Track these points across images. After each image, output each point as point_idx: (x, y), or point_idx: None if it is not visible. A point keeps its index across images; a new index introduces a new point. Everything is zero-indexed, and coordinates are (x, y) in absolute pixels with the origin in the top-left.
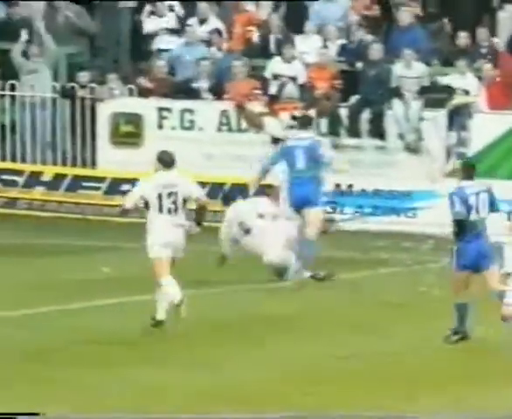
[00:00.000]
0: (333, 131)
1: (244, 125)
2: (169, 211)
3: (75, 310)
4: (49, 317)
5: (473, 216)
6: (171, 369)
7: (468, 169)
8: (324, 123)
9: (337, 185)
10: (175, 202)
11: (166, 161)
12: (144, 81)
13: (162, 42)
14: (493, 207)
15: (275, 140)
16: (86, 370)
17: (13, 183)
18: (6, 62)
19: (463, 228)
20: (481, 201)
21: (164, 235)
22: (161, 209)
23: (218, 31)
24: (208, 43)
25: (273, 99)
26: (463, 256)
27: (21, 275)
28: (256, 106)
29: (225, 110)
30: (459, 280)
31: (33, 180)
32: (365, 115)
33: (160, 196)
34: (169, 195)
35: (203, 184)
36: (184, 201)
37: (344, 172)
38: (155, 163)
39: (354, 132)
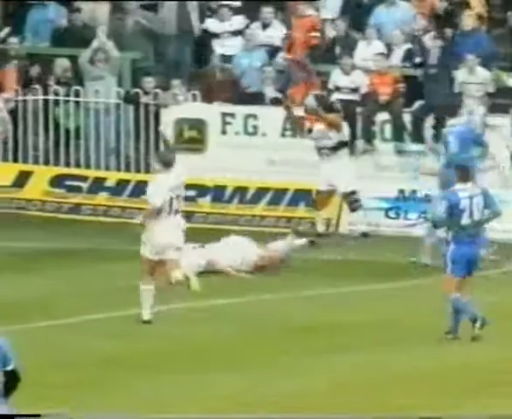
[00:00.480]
0: (397, 137)
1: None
2: (176, 212)
3: (136, 315)
4: (113, 323)
5: (464, 220)
6: (243, 374)
7: (463, 172)
8: (388, 129)
9: (401, 191)
10: (179, 204)
11: (168, 162)
12: (208, 87)
13: (224, 47)
14: (489, 209)
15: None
16: (151, 376)
17: (77, 189)
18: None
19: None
20: (475, 205)
21: (168, 237)
22: (170, 211)
23: (289, 36)
24: (270, 48)
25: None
26: (456, 263)
27: (84, 280)
28: (299, 111)
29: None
30: (451, 283)
31: (97, 185)
32: (429, 121)
33: (171, 199)
34: (177, 197)
35: (265, 190)
36: None
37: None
38: (155, 165)
39: (418, 137)
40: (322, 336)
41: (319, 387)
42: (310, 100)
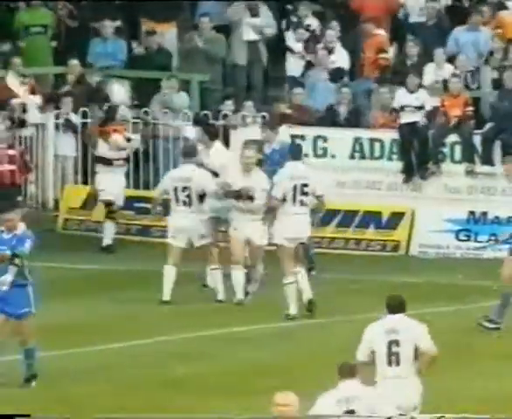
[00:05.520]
0: (467, 158)
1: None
2: (184, 203)
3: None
4: (185, 344)
5: None
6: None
7: None
8: (458, 150)
9: (471, 212)
10: (189, 196)
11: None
12: (281, 108)
13: (295, 69)
14: None
15: None
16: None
17: (146, 211)
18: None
19: None
20: None
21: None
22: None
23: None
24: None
25: (107, 121)
26: None
27: (152, 303)
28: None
29: (359, 137)
30: None
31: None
32: (498, 143)
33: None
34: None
35: (335, 212)
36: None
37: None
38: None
39: (487, 159)
40: None
41: None
42: (123, 110)
